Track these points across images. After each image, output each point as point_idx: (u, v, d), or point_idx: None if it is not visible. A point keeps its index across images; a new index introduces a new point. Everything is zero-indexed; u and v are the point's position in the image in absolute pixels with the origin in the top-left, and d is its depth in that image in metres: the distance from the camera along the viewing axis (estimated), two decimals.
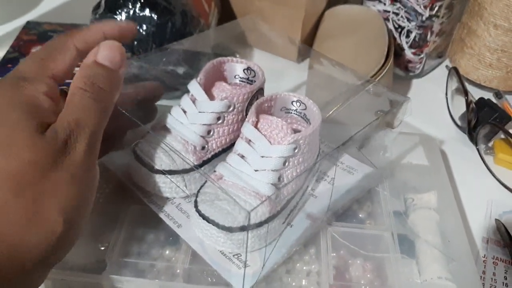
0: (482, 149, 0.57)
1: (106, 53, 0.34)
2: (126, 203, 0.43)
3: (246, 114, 0.43)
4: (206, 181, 0.41)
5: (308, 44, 0.69)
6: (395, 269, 0.40)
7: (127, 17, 0.53)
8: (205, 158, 0.43)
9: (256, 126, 0.40)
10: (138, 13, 0.53)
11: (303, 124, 0.45)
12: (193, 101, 0.42)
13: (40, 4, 0.81)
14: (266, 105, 0.43)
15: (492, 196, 0.52)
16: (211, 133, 0.42)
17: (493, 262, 0.45)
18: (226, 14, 0.70)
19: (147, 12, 0.53)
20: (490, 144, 0.58)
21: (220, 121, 0.42)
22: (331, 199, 0.42)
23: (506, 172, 0.55)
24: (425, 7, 0.62)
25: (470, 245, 0.43)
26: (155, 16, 0.54)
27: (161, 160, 0.41)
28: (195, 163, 0.41)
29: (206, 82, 0.43)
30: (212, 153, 0.43)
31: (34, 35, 0.72)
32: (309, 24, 0.67)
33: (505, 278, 0.44)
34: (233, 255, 0.38)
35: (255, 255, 0.38)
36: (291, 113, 0.45)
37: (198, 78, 0.43)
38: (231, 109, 0.42)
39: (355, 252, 0.41)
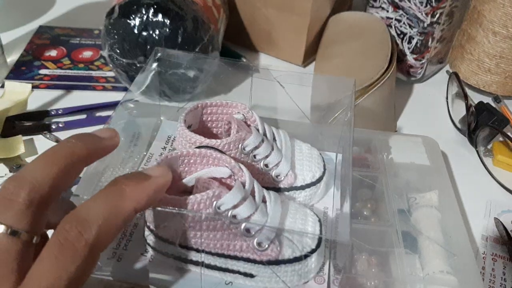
0: (481, 151, 0.59)
1: None
2: None
3: None
4: None
5: (313, 49, 0.71)
6: (399, 263, 0.41)
7: (141, 22, 0.56)
8: None
9: None
10: (152, 19, 0.55)
11: None
12: None
13: (52, 9, 0.83)
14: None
15: (491, 196, 0.54)
16: None
17: (492, 259, 0.47)
18: (233, 21, 0.72)
19: (160, 17, 0.56)
20: (489, 147, 0.60)
21: None
22: None
23: (505, 173, 0.57)
24: (427, 14, 0.64)
25: (470, 242, 0.45)
26: (167, 21, 0.56)
27: None
28: None
29: None
30: None
31: (47, 39, 0.74)
32: (314, 30, 0.69)
33: (504, 273, 0.46)
34: None
35: None
36: None
37: None
38: None
39: (360, 247, 0.43)
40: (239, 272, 0.38)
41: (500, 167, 0.58)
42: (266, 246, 0.36)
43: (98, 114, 0.61)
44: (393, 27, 0.68)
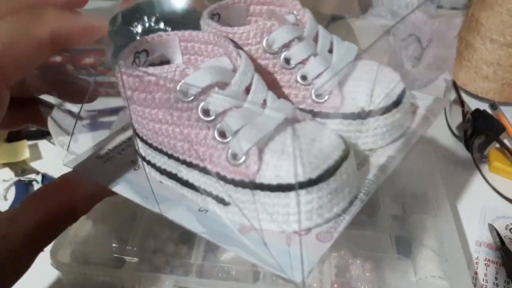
0: (477, 158, 0.60)
1: None
2: None
3: None
4: None
5: None
6: (392, 269, 0.42)
7: (143, 30, 0.57)
8: None
9: None
10: (154, 27, 0.57)
11: None
12: None
13: None
14: None
15: (486, 202, 0.55)
16: None
17: (485, 264, 0.48)
18: None
19: (161, 26, 0.57)
20: (485, 153, 0.61)
21: None
22: None
23: (500, 179, 0.58)
24: (425, 22, 0.65)
25: (464, 247, 0.46)
26: (169, 30, 0.57)
27: None
28: None
29: None
30: None
31: None
32: None
33: (496, 278, 0.47)
34: None
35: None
36: None
37: None
38: None
39: (355, 252, 0.44)
40: (211, 195, 0.29)
41: (496, 174, 0.58)
42: (242, 159, 0.26)
43: (101, 119, 0.62)
44: (390, 34, 0.69)
